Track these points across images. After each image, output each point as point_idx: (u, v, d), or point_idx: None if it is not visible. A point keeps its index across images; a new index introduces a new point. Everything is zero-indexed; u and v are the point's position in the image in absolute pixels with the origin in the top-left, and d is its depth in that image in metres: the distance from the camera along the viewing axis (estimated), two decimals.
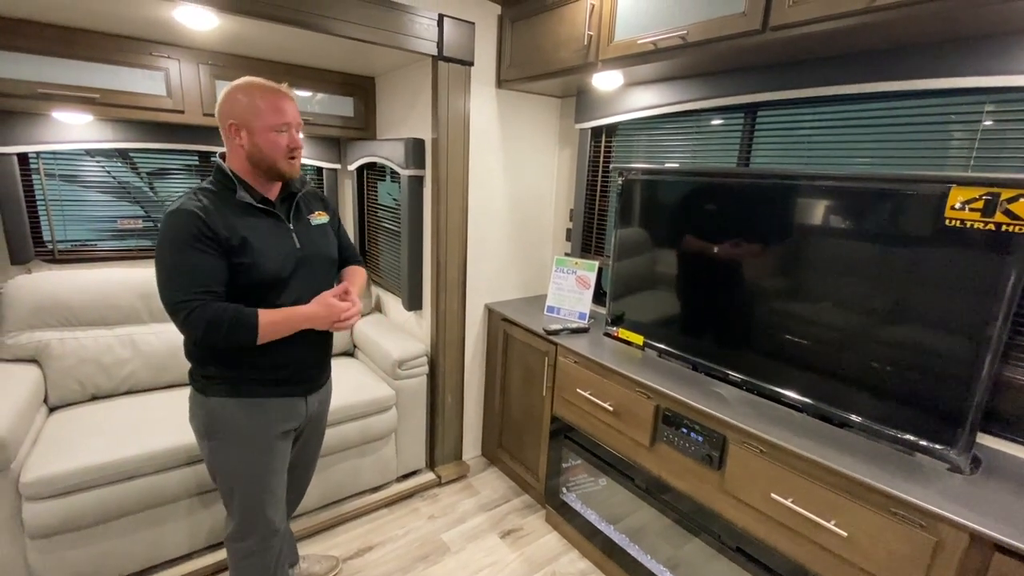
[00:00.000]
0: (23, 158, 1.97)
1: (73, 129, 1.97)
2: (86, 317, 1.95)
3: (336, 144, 2.67)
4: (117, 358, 1.95)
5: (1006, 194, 1.02)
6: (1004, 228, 1.03)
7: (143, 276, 2.05)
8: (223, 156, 1.25)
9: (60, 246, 2.12)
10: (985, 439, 1.27)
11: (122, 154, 2.24)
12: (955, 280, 1.12)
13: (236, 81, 1.21)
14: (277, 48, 1.99)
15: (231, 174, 1.21)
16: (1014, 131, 1.21)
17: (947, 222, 1.11)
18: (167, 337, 2.02)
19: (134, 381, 1.98)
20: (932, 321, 1.17)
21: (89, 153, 2.15)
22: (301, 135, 1.27)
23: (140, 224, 2.31)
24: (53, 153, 2.03)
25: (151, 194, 2.36)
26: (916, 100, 1.35)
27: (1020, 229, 1.01)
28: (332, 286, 1.36)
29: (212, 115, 2.03)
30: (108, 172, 2.23)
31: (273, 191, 1.27)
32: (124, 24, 1.72)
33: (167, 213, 1.14)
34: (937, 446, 1.16)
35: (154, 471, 1.62)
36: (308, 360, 1.35)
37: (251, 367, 1.24)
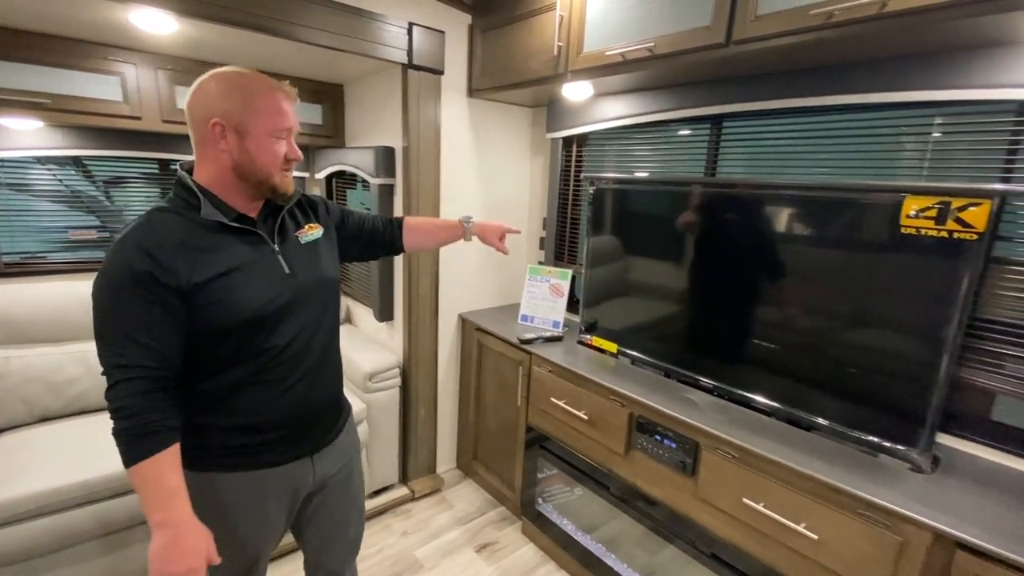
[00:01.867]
0: None
1: (22, 136, 1.87)
2: (34, 333, 1.85)
3: (304, 152, 2.62)
4: (68, 377, 1.85)
5: (957, 203, 1.07)
6: (956, 235, 1.08)
7: None
8: (188, 167, 0.99)
9: (6, 259, 2.00)
10: (944, 439, 1.31)
11: (75, 162, 2.14)
12: (912, 285, 1.16)
13: (220, 70, 0.95)
14: (241, 54, 1.94)
15: (194, 187, 0.94)
16: (962, 142, 1.27)
17: (903, 230, 1.15)
18: None
19: (86, 401, 1.88)
20: (892, 325, 1.21)
21: (40, 160, 2.05)
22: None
23: (94, 235, 2.21)
24: (0, 160, 1.93)
25: (107, 203, 2.26)
26: (873, 112, 1.41)
27: (970, 236, 1.06)
28: (337, 314, 1.15)
29: (172, 122, 2.01)
30: (60, 180, 2.13)
31: (252, 207, 1.01)
32: (77, 27, 1.65)
33: (114, 241, 0.90)
34: (899, 447, 1.19)
35: (109, 496, 1.53)
36: (301, 417, 1.05)
37: (212, 431, 0.97)
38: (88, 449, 1.62)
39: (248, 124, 0.93)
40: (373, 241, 1.33)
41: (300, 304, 1.02)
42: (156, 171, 2.29)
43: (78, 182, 2.18)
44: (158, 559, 0.83)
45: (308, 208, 1.16)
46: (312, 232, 1.12)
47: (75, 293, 1.93)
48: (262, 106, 0.94)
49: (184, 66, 1.98)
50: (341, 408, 1.19)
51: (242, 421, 0.98)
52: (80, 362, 1.88)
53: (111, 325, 0.86)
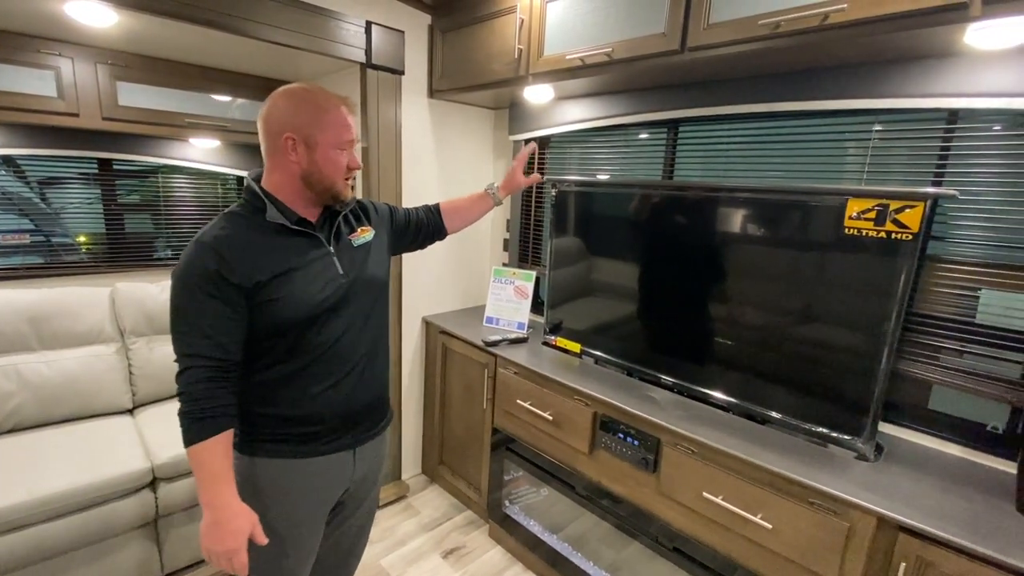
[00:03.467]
0: None
1: None
2: None
3: (258, 152, 2.53)
4: (0, 392, 1.72)
5: (894, 205, 1.14)
6: (893, 236, 1.14)
7: (32, 298, 1.83)
8: (255, 175, 1.07)
9: None
10: (886, 428, 1.39)
11: (6, 161, 1.99)
12: (856, 283, 1.23)
13: (290, 87, 1.03)
14: (192, 50, 1.86)
15: (261, 193, 1.02)
16: (898, 148, 1.35)
17: (846, 230, 1.21)
18: (61, 366, 1.80)
19: (21, 417, 1.75)
20: (838, 321, 1.27)
21: None
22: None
23: (28, 239, 2.06)
24: None
25: (42, 205, 2.12)
26: (819, 119, 1.48)
27: (906, 237, 1.13)
28: (386, 315, 1.21)
29: (114, 119, 1.91)
30: None
31: (313, 212, 1.09)
32: (6, 18, 1.54)
33: (191, 241, 0.98)
34: (846, 437, 1.25)
35: (46, 519, 1.43)
36: (349, 411, 1.11)
37: (266, 419, 1.04)
38: (25, 468, 1.51)
39: (316, 137, 1.01)
40: (420, 231, 1.40)
41: (350, 302, 1.09)
42: (96, 171, 2.16)
43: (10, 183, 2.03)
44: (204, 536, 0.94)
45: (360, 212, 1.23)
46: (364, 235, 1.18)
47: (7, 302, 1.80)
48: (329, 121, 1.02)
49: (127, 60, 1.88)
50: (387, 405, 1.25)
51: (292, 411, 1.04)
52: (12, 376, 1.74)
53: (182, 317, 0.95)
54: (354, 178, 1.11)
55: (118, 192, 2.24)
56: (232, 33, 1.54)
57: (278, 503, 1.06)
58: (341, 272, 1.08)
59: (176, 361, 0.95)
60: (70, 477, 1.47)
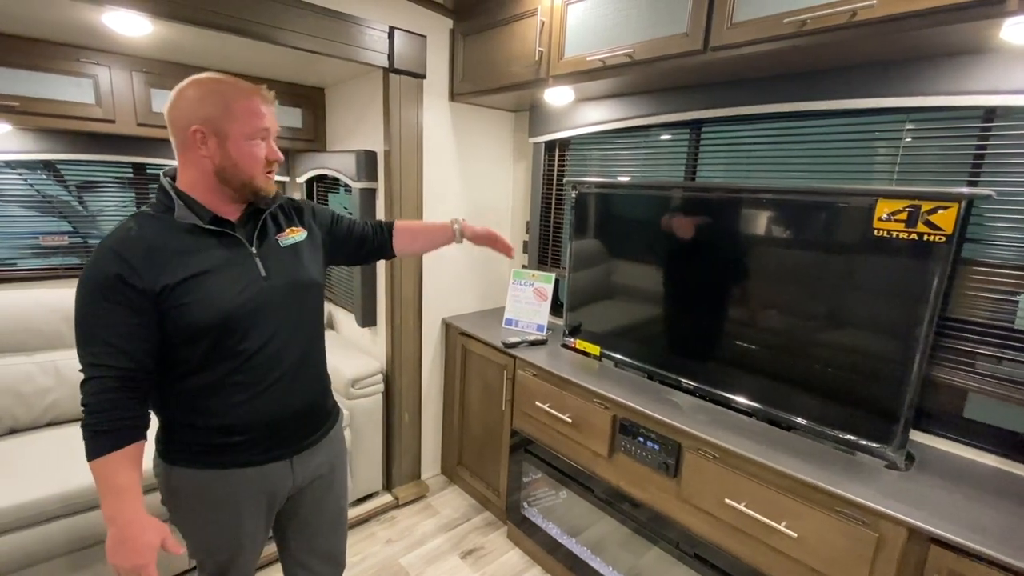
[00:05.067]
0: None
1: None
2: (3, 343, 1.79)
3: (284, 156, 2.58)
4: (38, 387, 1.80)
5: (926, 206, 1.10)
6: (925, 238, 1.11)
7: (69, 297, 1.89)
8: (171, 172, 1.01)
9: None
10: (918, 436, 1.34)
11: (47, 166, 2.08)
12: (885, 286, 1.19)
13: (198, 76, 0.97)
14: (220, 56, 1.91)
15: (171, 190, 0.97)
16: (931, 147, 1.31)
17: (875, 232, 1.18)
18: None
19: (57, 412, 1.83)
20: (866, 325, 1.23)
21: (9, 164, 1.99)
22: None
23: (66, 240, 2.15)
24: None
25: (80, 208, 2.20)
26: (846, 118, 1.44)
27: (939, 239, 1.09)
28: (319, 317, 1.15)
29: (148, 125, 1.97)
30: (31, 185, 2.07)
31: (233, 210, 1.02)
32: (48, 28, 1.61)
33: (97, 245, 0.93)
34: (875, 444, 1.22)
35: (78, 511, 1.49)
36: (278, 420, 1.05)
37: (189, 429, 1.00)
38: (63, 461, 1.57)
39: (227, 128, 0.94)
40: (362, 245, 1.31)
41: (275, 306, 1.03)
42: (131, 175, 2.24)
43: (50, 187, 2.12)
44: (110, 552, 0.88)
45: (293, 212, 1.17)
46: (293, 235, 1.12)
47: (46, 301, 1.88)
48: (239, 110, 0.95)
49: (160, 68, 1.94)
50: (326, 412, 1.18)
51: (218, 421, 0.99)
52: (50, 372, 1.82)
53: (84, 325, 0.89)
54: (275, 171, 1.04)
55: (151, 195, 2.32)
56: (260, 40, 1.58)
57: (200, 513, 1.04)
58: (263, 274, 1.02)
59: (80, 371, 0.90)
60: None
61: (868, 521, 1.06)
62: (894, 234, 1.15)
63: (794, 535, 1.15)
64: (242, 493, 1.04)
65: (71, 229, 2.17)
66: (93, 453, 0.87)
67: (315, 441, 1.14)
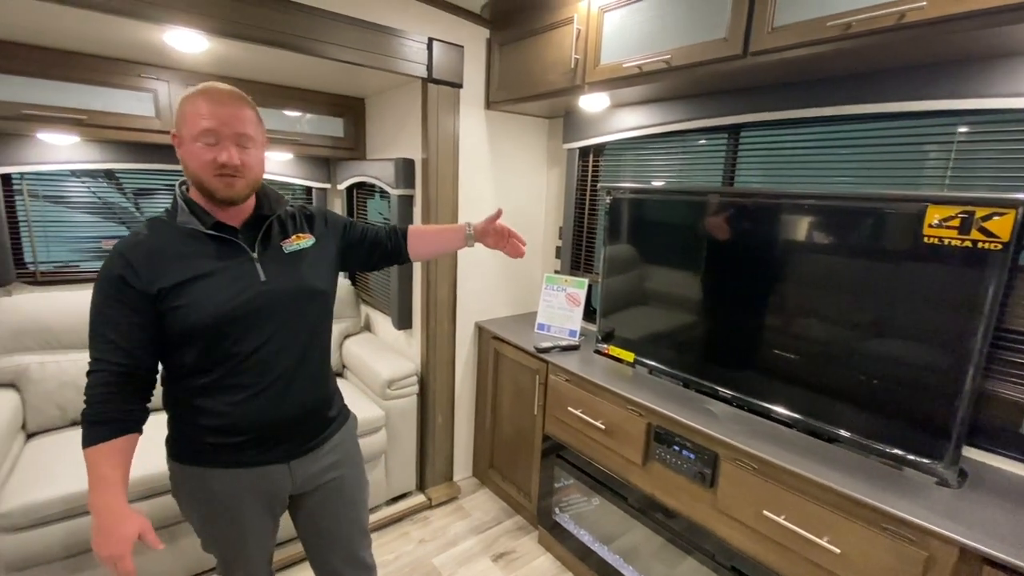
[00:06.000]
0: (6, 179, 1.95)
1: (59, 150, 1.95)
2: (68, 340, 1.91)
3: (326, 164, 2.68)
4: None
5: (980, 212, 1.06)
6: (980, 245, 1.06)
7: None
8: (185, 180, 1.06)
9: (42, 267, 2.09)
10: (971, 452, 1.28)
11: (108, 174, 2.22)
12: (936, 295, 1.15)
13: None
14: (268, 70, 2.00)
15: (180, 197, 1.02)
16: (986, 151, 1.26)
17: (926, 239, 1.14)
18: None
19: None
20: (916, 336, 1.19)
21: (75, 173, 2.13)
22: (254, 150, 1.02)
23: None
24: (37, 174, 2.01)
25: (137, 213, 2.34)
26: (892, 121, 1.40)
27: (995, 246, 1.05)
28: (323, 324, 1.17)
29: None
30: (93, 192, 2.22)
31: (235, 215, 1.05)
32: (113, 47, 1.73)
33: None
34: (924, 460, 1.17)
35: (137, 499, 1.58)
36: (273, 423, 1.07)
37: (192, 427, 1.04)
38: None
39: (181, 132, 0.98)
40: (375, 250, 1.32)
41: (272, 311, 1.04)
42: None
43: (110, 194, 2.26)
44: (92, 541, 0.92)
45: (303, 219, 1.19)
46: (299, 242, 1.13)
47: None
48: (186, 111, 0.97)
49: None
50: (326, 419, 1.19)
51: (215, 422, 1.03)
52: None
53: (92, 321, 0.95)
54: (232, 174, 0.98)
55: None
56: (308, 54, 1.66)
57: (203, 509, 1.09)
58: (263, 279, 1.04)
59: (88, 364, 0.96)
60: (157, 462, 1.61)
61: (917, 539, 1.02)
62: (946, 241, 1.11)
63: (837, 551, 1.12)
64: (240, 492, 1.08)
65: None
66: (85, 442, 0.92)
67: (313, 447, 1.15)
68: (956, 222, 1.10)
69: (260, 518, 1.13)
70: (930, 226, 1.13)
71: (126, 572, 0.91)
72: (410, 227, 1.36)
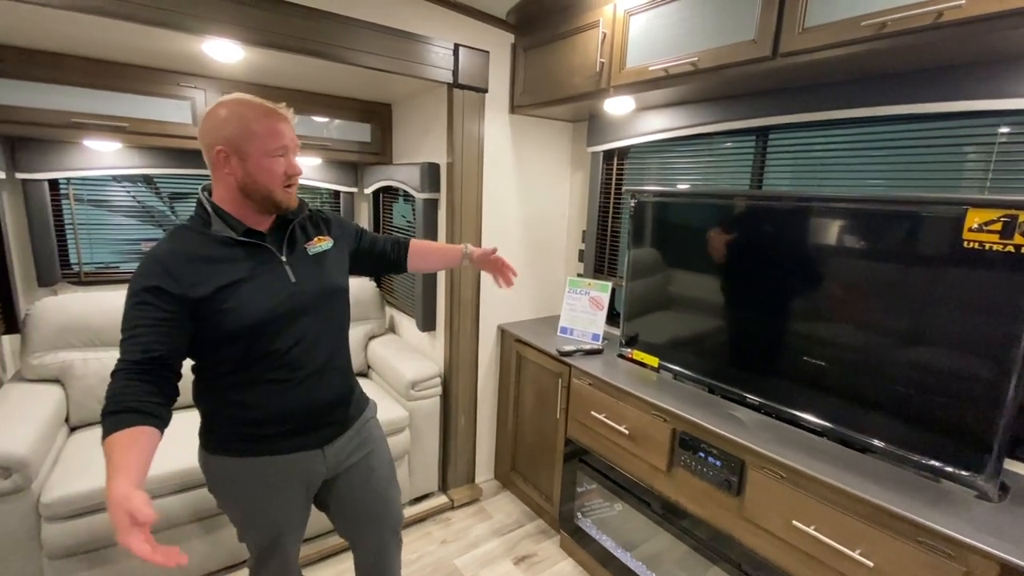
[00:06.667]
0: (53, 184, 2.05)
1: (103, 156, 2.04)
2: (108, 337, 1.99)
3: (353, 168, 2.73)
4: None
5: None
6: (1023, 251, 1.03)
7: None
8: (208, 187, 1.10)
9: (86, 268, 2.18)
10: (1014, 466, 1.23)
11: (146, 179, 2.31)
12: (977, 302, 1.11)
13: (226, 98, 1.05)
14: (298, 77, 2.06)
15: (209, 206, 1.06)
16: None
17: (965, 244, 1.10)
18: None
19: None
20: (955, 343, 1.15)
21: (116, 179, 2.23)
22: (298, 157, 1.12)
23: None
24: (82, 179, 2.11)
25: (173, 217, 2.43)
26: (928, 122, 1.36)
27: None
28: (345, 318, 1.26)
29: None
30: (133, 196, 2.31)
31: (263, 222, 1.11)
32: (155, 57, 1.80)
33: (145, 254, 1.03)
34: (963, 472, 1.13)
35: (173, 491, 1.63)
36: (308, 411, 1.14)
37: (228, 421, 1.10)
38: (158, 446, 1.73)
39: (246, 148, 1.02)
40: (382, 260, 1.43)
41: (304, 311, 1.11)
42: None
43: (148, 198, 2.35)
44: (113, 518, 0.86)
45: (321, 222, 1.26)
46: (321, 244, 1.21)
47: None
48: (258, 130, 1.02)
49: (247, 90, 2.11)
50: (352, 403, 1.27)
51: (253, 414, 1.09)
52: None
53: (124, 321, 0.98)
54: (295, 184, 1.10)
55: None
56: (338, 62, 1.70)
57: (240, 498, 1.14)
58: (294, 280, 1.10)
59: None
60: (194, 456, 1.67)
61: (955, 554, 0.99)
62: (987, 246, 1.07)
63: (870, 564, 1.08)
64: (277, 479, 1.14)
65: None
66: (103, 432, 0.91)
67: (343, 430, 1.23)
68: (998, 226, 1.06)
69: (294, 505, 1.19)
70: (970, 230, 1.09)
71: (143, 553, 0.80)
72: (412, 241, 1.47)
